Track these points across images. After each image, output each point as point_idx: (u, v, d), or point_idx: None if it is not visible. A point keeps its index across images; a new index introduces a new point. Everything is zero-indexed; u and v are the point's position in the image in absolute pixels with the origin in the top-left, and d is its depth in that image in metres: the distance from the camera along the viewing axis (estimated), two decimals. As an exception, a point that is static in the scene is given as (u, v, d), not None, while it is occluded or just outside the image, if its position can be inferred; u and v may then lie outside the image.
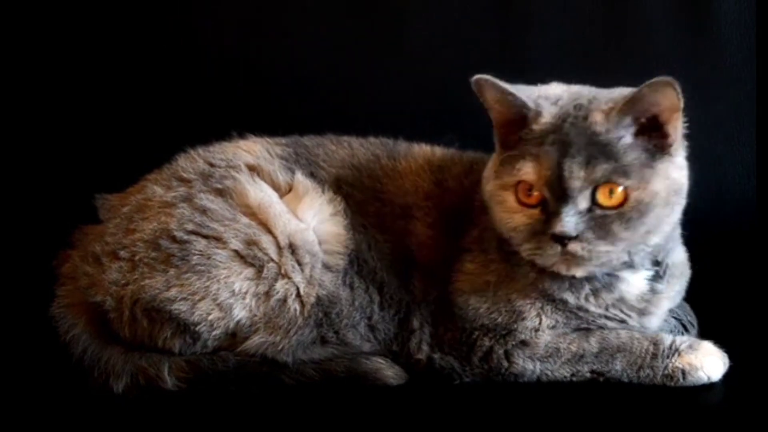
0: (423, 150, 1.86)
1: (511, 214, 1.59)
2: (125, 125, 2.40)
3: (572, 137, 1.54)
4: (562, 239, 1.53)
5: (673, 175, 1.58)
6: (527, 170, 1.56)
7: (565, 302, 1.64)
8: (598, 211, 1.53)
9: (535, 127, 1.57)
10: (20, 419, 1.59)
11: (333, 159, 1.82)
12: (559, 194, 1.53)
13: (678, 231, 1.71)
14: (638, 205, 1.53)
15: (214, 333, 1.65)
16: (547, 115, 1.57)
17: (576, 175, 1.52)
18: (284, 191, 1.74)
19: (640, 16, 2.32)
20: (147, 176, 1.80)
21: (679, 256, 1.75)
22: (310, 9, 2.42)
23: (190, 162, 1.78)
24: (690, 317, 1.81)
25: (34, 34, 2.39)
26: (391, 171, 1.81)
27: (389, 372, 1.68)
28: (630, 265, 1.63)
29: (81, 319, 1.71)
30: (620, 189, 1.52)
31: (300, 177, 1.75)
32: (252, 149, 1.81)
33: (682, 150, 1.61)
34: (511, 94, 1.58)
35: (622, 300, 1.65)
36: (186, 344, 1.67)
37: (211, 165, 1.76)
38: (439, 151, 1.86)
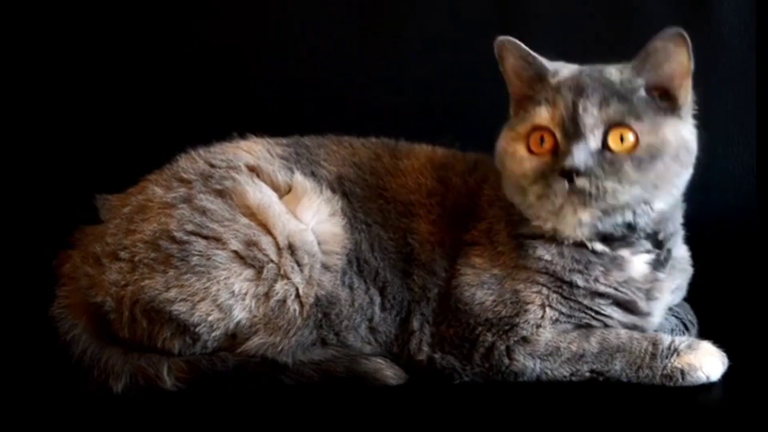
0: (424, 149, 1.87)
1: (521, 162, 1.62)
2: (125, 125, 2.40)
3: (587, 83, 1.60)
4: (570, 174, 1.55)
5: (684, 134, 1.62)
6: (541, 112, 1.60)
7: (573, 286, 1.65)
8: (608, 154, 1.57)
9: (552, 80, 1.63)
10: (20, 419, 1.59)
11: (334, 158, 1.82)
12: (571, 133, 1.57)
13: (680, 219, 1.73)
14: (650, 149, 1.57)
15: (213, 334, 1.65)
16: (565, 71, 1.65)
17: (590, 111, 1.57)
18: (284, 191, 1.74)
19: (640, 15, 2.32)
20: (147, 177, 1.80)
21: (681, 252, 1.77)
22: (311, 9, 2.42)
23: (191, 162, 1.78)
24: (690, 316, 1.82)
25: (34, 34, 2.39)
26: (393, 169, 1.81)
27: (389, 372, 1.68)
28: (632, 230, 1.64)
29: (81, 320, 1.71)
30: (631, 136, 1.57)
31: (299, 177, 1.76)
32: (252, 149, 1.81)
33: (691, 117, 1.65)
34: (531, 55, 1.65)
35: (630, 280, 1.66)
36: (185, 345, 1.67)
37: (212, 166, 1.76)
38: (440, 150, 1.87)
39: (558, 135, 1.59)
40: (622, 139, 1.57)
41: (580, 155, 1.55)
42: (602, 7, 2.36)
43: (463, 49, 2.31)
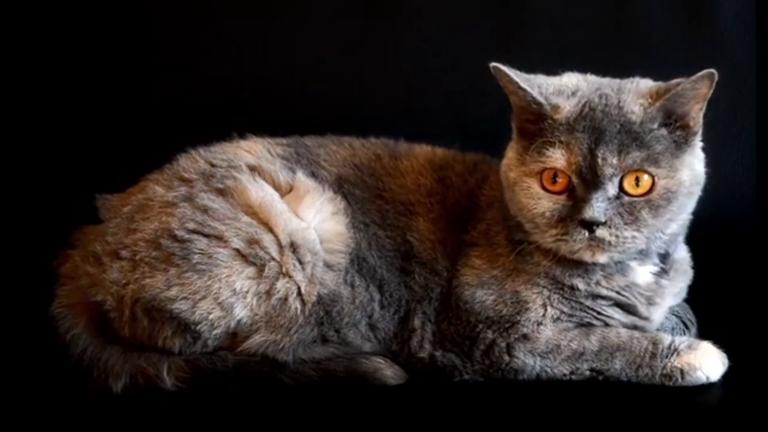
0: (424, 150, 1.87)
1: (536, 201, 1.60)
2: (125, 125, 2.40)
3: (605, 125, 1.56)
4: (591, 225, 1.54)
5: (696, 166, 1.62)
6: (557, 157, 1.57)
7: (574, 289, 1.65)
8: (626, 198, 1.56)
9: (558, 116, 1.59)
10: (20, 419, 1.59)
11: (334, 158, 1.82)
12: (589, 181, 1.55)
13: (686, 225, 1.72)
14: (666, 193, 1.56)
15: (214, 332, 1.65)
16: (567, 106, 1.59)
17: (609, 161, 1.54)
18: (285, 191, 1.75)
19: (640, 15, 2.32)
20: (148, 176, 1.80)
21: (682, 253, 1.77)
22: (311, 9, 2.42)
23: (191, 162, 1.78)
24: (690, 316, 1.82)
25: (34, 34, 2.39)
26: (393, 170, 1.81)
27: (388, 372, 1.68)
28: (645, 254, 1.64)
29: (81, 319, 1.71)
30: (646, 177, 1.55)
31: (301, 176, 1.76)
32: (253, 149, 1.81)
33: (700, 140, 1.64)
34: (522, 88, 1.60)
35: (633, 285, 1.67)
36: (186, 343, 1.67)
37: (212, 165, 1.76)
38: (440, 151, 1.87)
39: (574, 180, 1.57)
40: (637, 181, 1.55)
41: (600, 205, 1.54)
42: (602, 8, 2.35)
43: (463, 49, 2.31)
